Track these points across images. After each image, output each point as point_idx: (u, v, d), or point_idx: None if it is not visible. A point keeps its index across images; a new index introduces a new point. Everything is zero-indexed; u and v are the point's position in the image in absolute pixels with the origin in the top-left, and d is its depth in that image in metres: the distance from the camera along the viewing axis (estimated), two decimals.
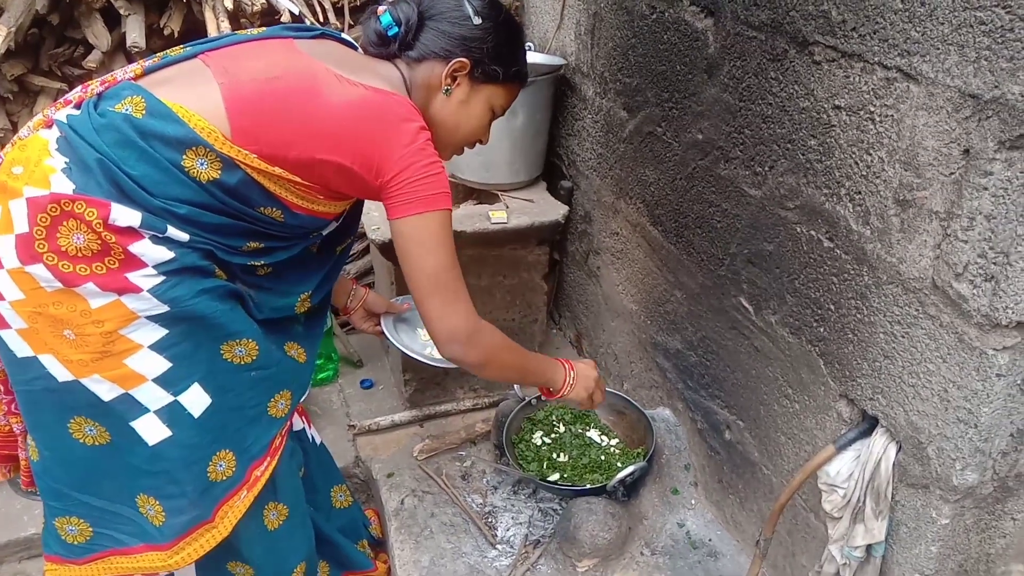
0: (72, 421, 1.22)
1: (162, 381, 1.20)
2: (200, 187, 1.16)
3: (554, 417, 2.10)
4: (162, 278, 1.15)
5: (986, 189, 1.05)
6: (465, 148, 1.46)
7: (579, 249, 2.46)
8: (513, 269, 2.27)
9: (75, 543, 1.32)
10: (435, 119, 1.34)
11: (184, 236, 1.16)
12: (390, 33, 1.30)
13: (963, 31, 1.05)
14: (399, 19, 1.30)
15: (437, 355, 1.42)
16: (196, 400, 1.23)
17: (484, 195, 2.36)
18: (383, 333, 1.73)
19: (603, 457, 1.98)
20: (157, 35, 2.25)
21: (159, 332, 1.18)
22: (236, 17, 2.16)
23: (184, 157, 1.14)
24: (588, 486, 1.86)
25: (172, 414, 1.23)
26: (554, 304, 2.71)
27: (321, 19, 2.25)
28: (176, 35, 2.22)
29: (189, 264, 1.17)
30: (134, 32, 2.13)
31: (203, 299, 1.18)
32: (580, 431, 2.07)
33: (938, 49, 1.09)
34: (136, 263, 1.13)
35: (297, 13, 2.17)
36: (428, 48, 1.30)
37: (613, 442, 2.04)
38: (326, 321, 1.54)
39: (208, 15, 2.13)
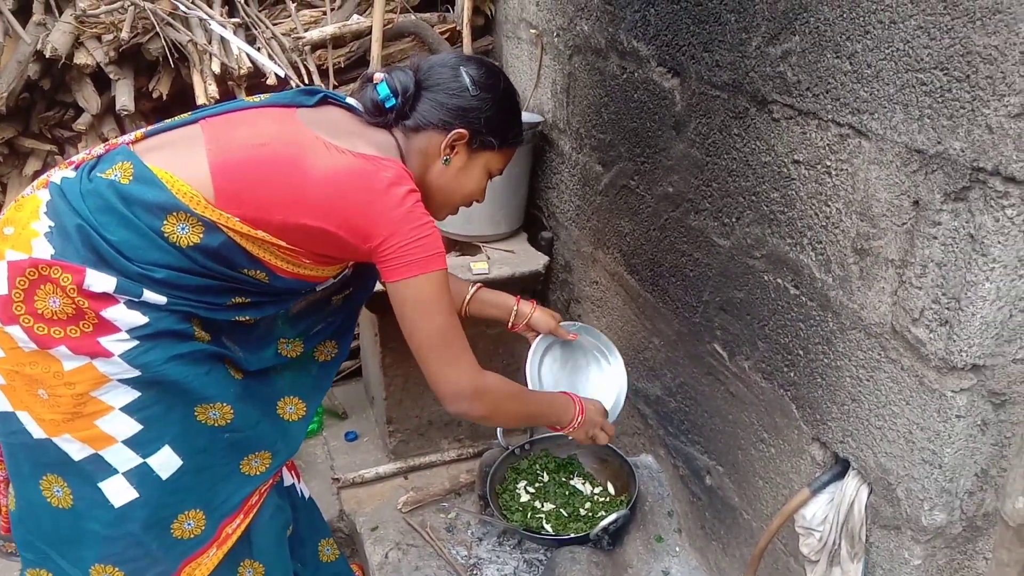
0: (43, 478, 1.23)
1: (132, 443, 1.21)
2: (180, 252, 1.18)
3: (538, 466, 2.11)
4: (135, 343, 1.17)
5: (936, 238, 1.11)
6: (460, 208, 1.49)
7: (560, 298, 2.50)
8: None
9: None
10: (433, 185, 1.37)
11: (161, 299, 1.18)
12: (387, 105, 1.32)
13: (906, 91, 1.12)
14: (396, 89, 1.31)
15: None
16: (166, 462, 1.24)
17: (466, 247, 2.41)
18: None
19: (587, 505, 1.99)
20: (146, 98, 2.32)
21: (131, 395, 1.19)
22: (223, 80, 2.23)
23: (165, 223, 1.17)
24: (572, 535, 1.86)
25: (140, 476, 1.23)
26: None
27: (306, 81, 2.33)
28: (164, 97, 2.29)
29: (164, 328, 1.19)
30: (123, 95, 2.19)
31: (175, 364, 1.20)
32: (564, 479, 2.08)
33: (885, 107, 1.16)
34: (109, 328, 1.16)
35: (283, 75, 2.25)
36: (426, 118, 1.32)
37: (597, 490, 2.05)
38: (334, 373, 1.54)
39: (196, 78, 2.20)
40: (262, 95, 1.39)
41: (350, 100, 1.41)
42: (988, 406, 1.14)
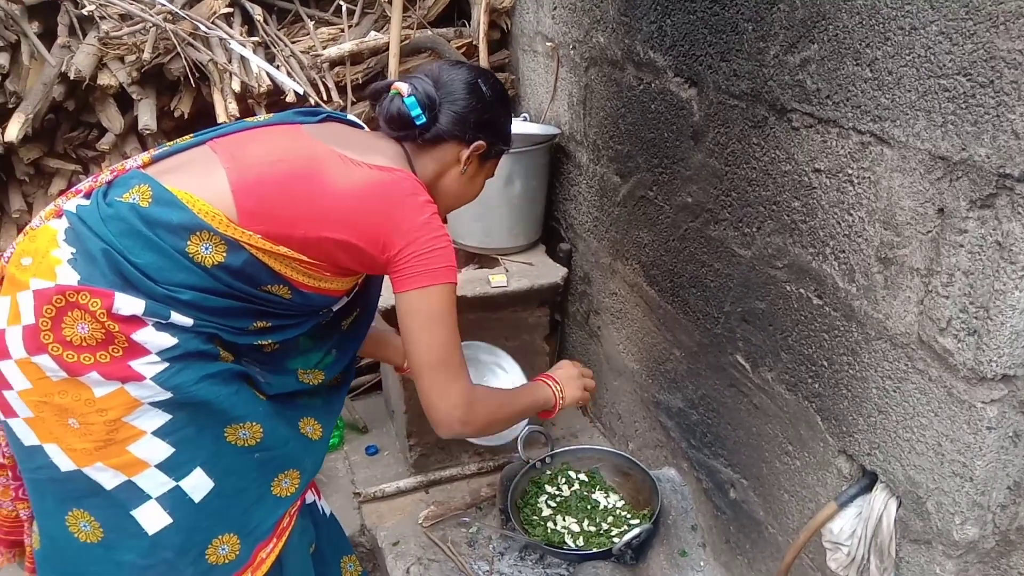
0: (70, 513, 1.22)
1: (165, 467, 1.21)
2: (205, 272, 1.19)
3: (559, 479, 2.10)
4: (165, 364, 1.17)
5: (962, 246, 1.09)
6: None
7: (580, 310, 2.49)
8: (515, 331, 2.30)
9: None
10: (443, 191, 1.40)
11: (188, 321, 1.18)
12: (417, 122, 1.32)
13: (929, 97, 1.10)
14: (424, 104, 1.32)
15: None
16: (198, 484, 1.23)
17: (485, 259, 2.41)
18: None
19: (610, 519, 1.97)
20: (168, 117, 2.35)
21: (163, 418, 1.19)
22: (243, 98, 2.26)
23: (188, 243, 1.17)
24: (595, 550, 1.85)
25: (174, 500, 1.22)
26: None
27: (325, 98, 2.35)
28: (186, 116, 2.32)
29: (192, 349, 1.19)
30: (146, 115, 2.23)
31: (206, 384, 1.19)
32: (586, 493, 2.06)
33: (907, 114, 1.14)
34: (139, 351, 1.16)
35: (302, 92, 2.27)
36: (448, 131, 1.34)
37: (619, 504, 2.03)
38: (344, 396, 1.55)
39: (216, 97, 2.23)
40: (261, 115, 1.41)
41: (351, 117, 1.44)
42: (1020, 417, 1.11)
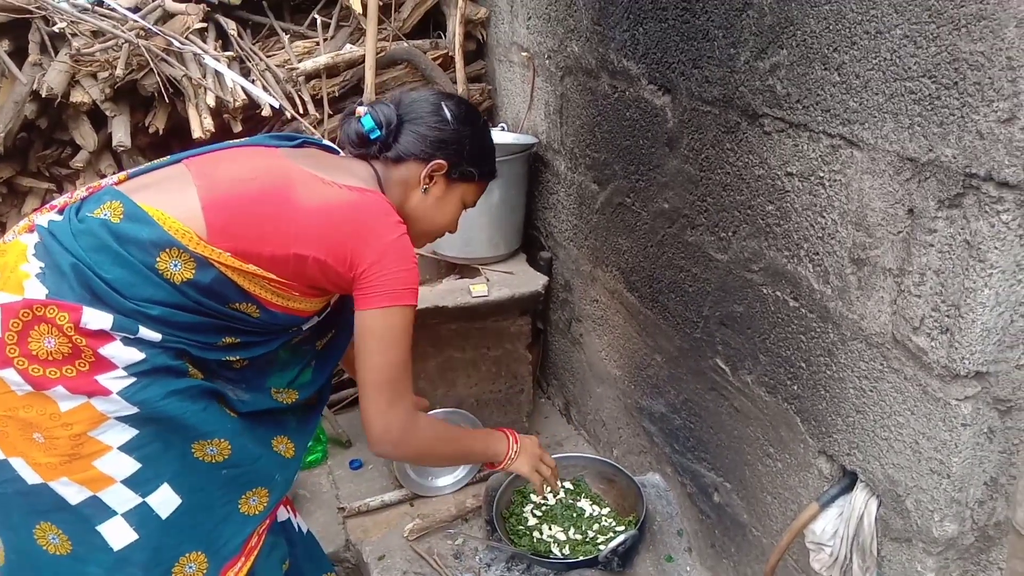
0: (38, 527, 1.21)
1: (131, 482, 1.20)
2: (174, 288, 1.19)
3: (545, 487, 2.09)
4: (132, 379, 1.17)
5: (932, 246, 1.10)
6: (459, 231, 1.53)
7: (562, 317, 2.50)
8: (497, 340, 2.30)
9: None
10: (411, 214, 1.40)
11: (156, 336, 1.18)
12: (372, 136, 1.36)
13: (896, 100, 1.12)
14: (380, 122, 1.36)
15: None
16: (165, 501, 1.23)
17: (465, 269, 2.41)
18: None
19: (595, 527, 1.97)
20: (143, 133, 2.33)
21: (129, 433, 1.19)
22: (219, 113, 2.25)
23: (158, 260, 1.18)
24: (581, 558, 1.84)
25: (140, 516, 1.22)
26: (541, 373, 2.73)
27: (301, 111, 2.35)
28: (161, 132, 2.30)
29: (160, 364, 1.19)
30: (120, 132, 2.21)
31: (173, 400, 1.20)
32: (571, 502, 2.06)
33: (875, 117, 1.16)
34: (106, 365, 1.16)
35: (278, 106, 2.26)
36: (407, 150, 1.37)
37: (605, 511, 2.03)
38: (320, 417, 1.55)
39: (191, 112, 2.21)
40: (242, 139, 1.42)
41: (326, 142, 1.46)
42: (994, 413, 1.12)
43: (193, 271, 1.19)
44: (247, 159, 1.30)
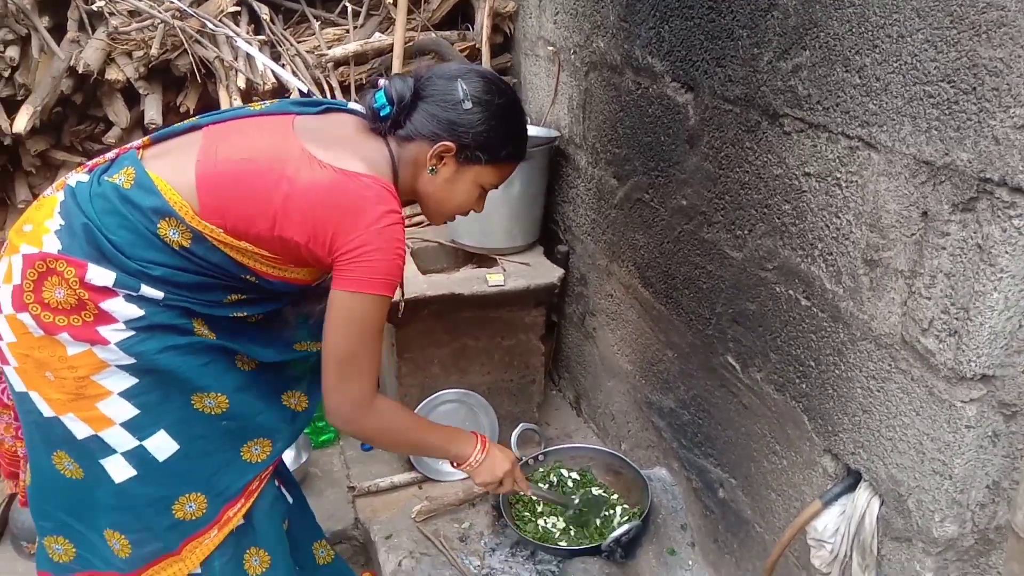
0: (55, 454, 1.31)
1: (129, 426, 1.29)
2: (174, 252, 1.26)
3: (552, 477, 2.12)
4: (131, 333, 1.25)
5: (944, 249, 1.11)
6: (458, 216, 1.48)
7: (576, 311, 2.52)
8: (511, 330, 2.32)
9: (61, 561, 1.39)
10: (422, 193, 1.40)
11: (158, 294, 1.25)
12: (382, 113, 1.34)
13: (914, 104, 1.13)
14: (392, 98, 1.33)
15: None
16: (161, 446, 1.31)
17: (482, 259, 2.44)
18: None
19: (603, 515, 1.99)
20: (174, 112, 2.39)
21: (129, 381, 1.27)
22: (248, 95, 2.30)
23: (159, 226, 1.24)
24: (585, 546, 1.87)
25: (138, 457, 1.31)
26: (553, 365, 2.75)
27: (329, 96, 2.39)
28: (191, 112, 2.35)
29: (160, 322, 1.26)
30: (152, 110, 2.26)
31: (169, 354, 1.27)
32: (584, 509, 2.07)
33: (893, 120, 1.17)
34: (107, 319, 1.24)
35: (306, 91, 2.31)
36: (417, 129, 1.34)
37: (613, 498, 2.06)
38: None
39: (222, 93, 2.26)
40: (266, 101, 1.44)
41: (352, 106, 1.44)
42: (999, 417, 1.14)
43: (189, 241, 1.25)
44: (256, 134, 1.31)
